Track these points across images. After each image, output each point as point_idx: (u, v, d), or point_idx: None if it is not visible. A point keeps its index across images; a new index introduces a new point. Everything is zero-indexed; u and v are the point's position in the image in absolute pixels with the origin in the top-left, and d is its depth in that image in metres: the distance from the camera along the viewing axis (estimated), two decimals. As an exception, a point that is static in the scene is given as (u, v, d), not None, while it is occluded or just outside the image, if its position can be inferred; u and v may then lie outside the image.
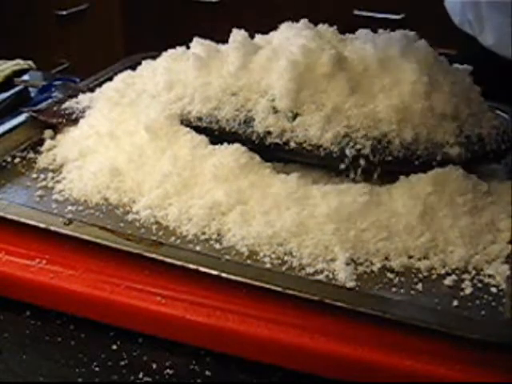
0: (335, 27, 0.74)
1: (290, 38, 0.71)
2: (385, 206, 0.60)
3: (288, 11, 1.01)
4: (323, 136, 0.64)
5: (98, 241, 0.57)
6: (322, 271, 0.55)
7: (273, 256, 0.57)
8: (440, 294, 0.54)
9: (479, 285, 0.55)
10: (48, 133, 0.75)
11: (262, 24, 0.81)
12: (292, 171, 0.65)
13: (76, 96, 0.79)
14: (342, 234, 0.58)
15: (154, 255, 0.55)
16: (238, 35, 0.72)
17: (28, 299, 0.57)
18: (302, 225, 0.58)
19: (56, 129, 0.75)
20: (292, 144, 0.64)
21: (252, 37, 0.74)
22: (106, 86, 0.79)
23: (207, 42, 0.74)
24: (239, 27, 0.74)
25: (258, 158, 0.65)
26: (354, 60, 0.67)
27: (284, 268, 0.56)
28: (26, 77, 0.95)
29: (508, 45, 0.92)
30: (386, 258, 0.57)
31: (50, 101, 0.79)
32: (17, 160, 0.71)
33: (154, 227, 0.60)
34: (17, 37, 1.82)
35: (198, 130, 0.68)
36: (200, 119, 0.68)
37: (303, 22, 0.74)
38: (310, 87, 0.65)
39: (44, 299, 0.56)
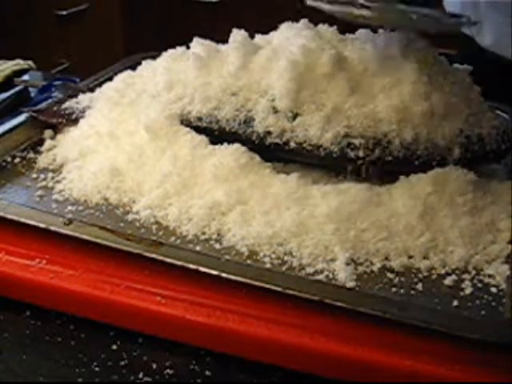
0: (335, 27, 0.74)
1: (290, 38, 0.71)
2: (385, 206, 0.60)
3: (288, 11, 1.01)
4: (323, 136, 0.64)
5: (98, 241, 0.57)
6: (322, 271, 0.55)
7: (273, 256, 0.57)
8: (440, 294, 0.54)
9: (479, 285, 0.55)
10: (48, 133, 0.75)
11: (261, 24, 0.81)
12: (292, 171, 0.65)
13: (76, 96, 0.79)
14: (342, 234, 0.58)
15: (154, 255, 0.55)
16: (238, 35, 0.72)
17: (28, 299, 0.57)
18: (301, 225, 0.58)
19: (56, 129, 0.75)
20: (292, 144, 0.64)
21: (252, 37, 0.74)
22: (105, 86, 0.79)
23: (207, 42, 0.74)
24: (239, 27, 0.74)
25: (257, 158, 0.65)
26: (353, 60, 0.67)
27: (284, 268, 0.56)
28: (26, 77, 0.95)
29: (506, 45, 0.92)
30: (386, 258, 0.57)
31: (50, 101, 0.79)
32: (17, 160, 0.71)
33: (154, 227, 0.60)
34: (17, 37, 1.82)
35: (198, 130, 0.68)
36: (200, 119, 0.68)
37: (303, 21, 0.74)
38: (310, 87, 0.65)
39: (44, 299, 0.56)
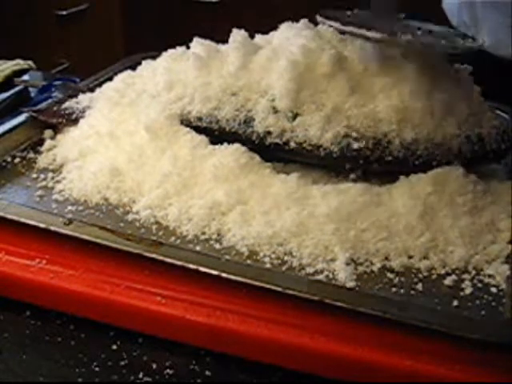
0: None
1: (290, 38, 0.71)
2: (385, 206, 0.60)
3: (288, 11, 1.01)
4: (323, 136, 0.64)
5: (98, 241, 0.56)
6: (322, 271, 0.55)
7: (273, 256, 0.57)
8: (440, 294, 0.54)
9: (479, 285, 0.55)
10: (48, 133, 0.75)
11: (261, 24, 0.81)
12: (292, 171, 0.65)
13: (76, 96, 0.79)
14: (342, 234, 0.58)
15: (154, 255, 0.55)
16: (237, 35, 0.72)
17: (28, 299, 0.57)
18: (301, 225, 0.58)
19: (56, 129, 0.75)
20: (292, 144, 0.64)
21: (252, 37, 0.74)
22: (105, 86, 0.79)
23: (207, 42, 0.74)
24: (239, 27, 0.74)
25: (257, 158, 0.65)
26: (353, 60, 0.67)
27: (284, 268, 0.56)
28: (26, 77, 0.95)
29: (503, 45, 0.92)
30: (386, 258, 0.57)
31: (50, 101, 0.79)
32: (17, 160, 0.71)
33: (154, 227, 0.60)
34: (17, 37, 1.82)
35: (198, 130, 0.68)
36: (200, 119, 0.68)
37: (303, 21, 0.74)
38: (310, 87, 0.65)
39: (44, 299, 0.56)
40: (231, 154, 0.64)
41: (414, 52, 0.67)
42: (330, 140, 0.63)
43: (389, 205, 0.60)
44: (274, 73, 0.67)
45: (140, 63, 0.82)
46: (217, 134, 0.67)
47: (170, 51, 0.78)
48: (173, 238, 0.59)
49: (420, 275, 0.56)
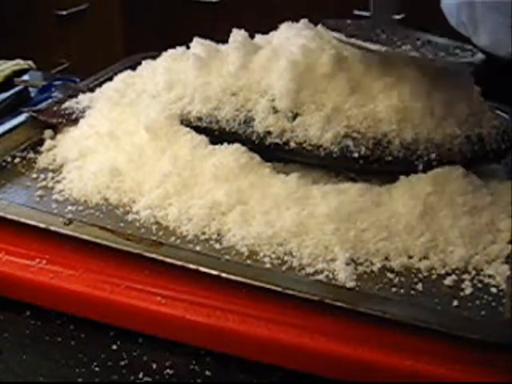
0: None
1: (290, 38, 0.71)
2: (385, 206, 0.60)
3: (288, 11, 1.01)
4: (323, 136, 0.64)
5: (98, 241, 0.57)
6: (322, 271, 0.55)
7: (273, 256, 0.57)
8: (440, 294, 0.54)
9: (479, 285, 0.55)
10: (48, 133, 0.75)
11: (261, 24, 0.81)
12: (292, 171, 0.65)
13: (76, 96, 0.79)
14: (342, 234, 0.58)
15: (154, 255, 0.55)
16: (238, 35, 0.72)
17: (28, 299, 0.57)
18: (301, 225, 0.58)
19: (56, 129, 0.75)
20: (292, 144, 0.64)
21: (252, 37, 0.74)
22: (106, 86, 0.79)
23: (207, 42, 0.74)
24: (239, 27, 0.74)
25: (258, 158, 0.65)
26: (354, 60, 0.67)
27: (284, 268, 0.56)
28: (26, 77, 0.95)
29: (503, 45, 0.92)
30: (386, 258, 0.57)
31: (50, 101, 0.79)
32: (17, 160, 0.71)
33: (154, 227, 0.60)
34: (17, 37, 1.82)
35: (198, 130, 0.68)
36: (200, 119, 0.68)
37: (303, 21, 0.74)
38: (310, 87, 0.65)
39: (44, 299, 0.56)
40: (231, 153, 0.64)
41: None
42: (330, 140, 0.63)
43: (389, 205, 0.60)
44: (274, 73, 0.67)
45: (140, 63, 0.82)
46: (217, 134, 0.67)
47: (170, 51, 0.78)
48: (173, 238, 0.59)
49: (420, 275, 0.56)
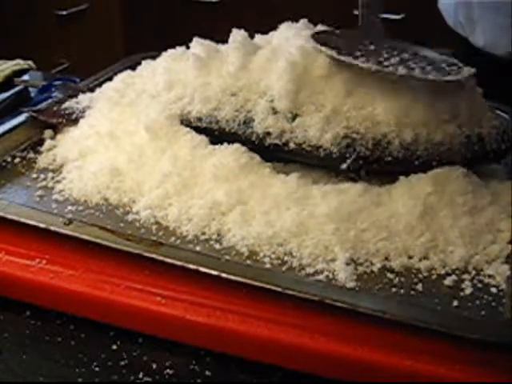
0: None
1: (290, 39, 0.71)
2: (385, 206, 0.60)
3: (288, 11, 1.01)
4: (322, 137, 0.63)
5: (98, 241, 0.57)
6: (322, 271, 0.55)
7: (273, 256, 0.57)
8: (440, 294, 0.54)
9: (479, 285, 0.55)
10: (48, 133, 0.75)
11: (261, 24, 0.81)
12: (292, 171, 0.65)
13: (76, 96, 0.79)
14: (342, 234, 0.58)
15: (154, 255, 0.55)
16: (237, 35, 0.72)
17: (28, 299, 0.57)
18: (301, 225, 0.58)
19: (56, 129, 0.75)
20: (291, 145, 0.64)
21: (252, 37, 0.74)
22: (105, 86, 0.79)
23: (207, 42, 0.74)
24: (239, 27, 0.74)
25: (257, 158, 0.65)
26: (352, 61, 0.67)
27: (284, 268, 0.56)
28: (26, 77, 0.95)
29: (500, 45, 0.93)
30: (386, 258, 0.57)
31: (50, 101, 0.79)
32: (17, 160, 0.71)
33: (154, 227, 0.60)
34: (17, 37, 1.82)
35: (198, 130, 0.68)
36: (200, 119, 0.68)
37: (303, 22, 0.74)
38: (309, 88, 0.65)
39: (44, 299, 0.56)
40: (231, 153, 0.64)
41: None
42: (330, 141, 0.63)
43: (389, 205, 0.60)
44: (273, 74, 0.67)
45: (140, 63, 0.82)
46: (217, 135, 0.67)
47: (170, 51, 0.78)
48: (173, 238, 0.59)
49: (420, 275, 0.56)
